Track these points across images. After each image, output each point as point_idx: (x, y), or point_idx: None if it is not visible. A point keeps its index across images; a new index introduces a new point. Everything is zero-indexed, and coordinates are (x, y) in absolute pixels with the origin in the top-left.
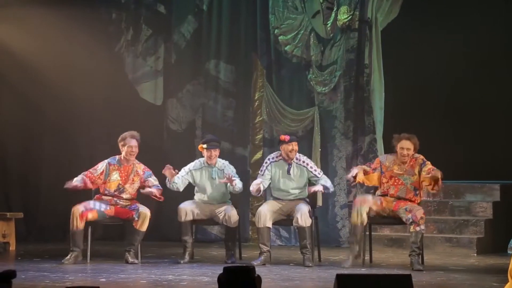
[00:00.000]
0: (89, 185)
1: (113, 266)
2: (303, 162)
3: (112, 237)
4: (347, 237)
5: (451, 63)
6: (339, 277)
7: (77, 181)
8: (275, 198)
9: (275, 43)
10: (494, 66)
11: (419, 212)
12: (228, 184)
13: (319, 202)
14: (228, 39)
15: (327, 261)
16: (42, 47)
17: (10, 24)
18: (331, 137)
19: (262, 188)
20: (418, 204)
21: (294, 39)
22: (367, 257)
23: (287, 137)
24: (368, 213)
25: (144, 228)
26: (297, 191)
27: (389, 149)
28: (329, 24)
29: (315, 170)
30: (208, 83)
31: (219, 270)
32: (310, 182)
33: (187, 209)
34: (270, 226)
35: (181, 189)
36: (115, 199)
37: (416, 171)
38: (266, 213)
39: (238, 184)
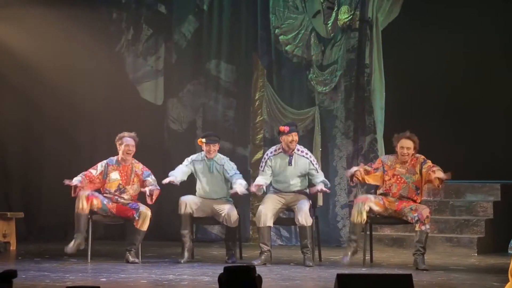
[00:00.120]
0: (88, 187)
1: (113, 266)
2: (306, 154)
3: (112, 236)
4: (347, 237)
5: (451, 63)
6: (339, 276)
7: (76, 181)
8: (276, 190)
9: (276, 42)
10: (494, 66)
11: (425, 211)
12: (235, 187)
13: (320, 202)
14: (229, 39)
15: (327, 260)
16: (43, 47)
17: (11, 24)
18: (331, 137)
19: (264, 187)
20: (420, 203)
21: (294, 39)
22: (367, 257)
23: (286, 128)
24: (368, 213)
25: (144, 227)
26: (298, 181)
27: (390, 149)
28: (330, 24)
29: (316, 164)
30: (209, 83)
31: (219, 269)
32: (310, 182)
33: (188, 202)
34: (271, 225)
35: (184, 178)
36: (116, 197)
37: (418, 170)
38: (266, 212)
39: (244, 186)
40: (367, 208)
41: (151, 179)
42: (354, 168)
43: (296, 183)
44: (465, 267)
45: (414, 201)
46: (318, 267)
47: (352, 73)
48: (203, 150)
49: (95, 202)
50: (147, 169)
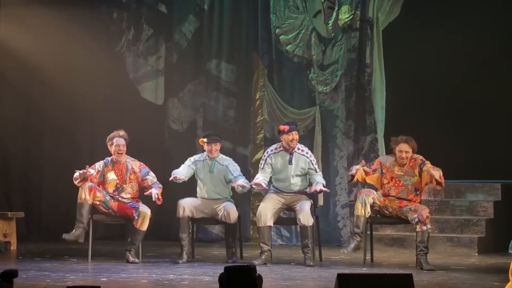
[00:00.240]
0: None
1: (114, 266)
2: (306, 153)
3: (113, 236)
4: (348, 237)
5: (452, 63)
6: (340, 276)
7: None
8: (276, 190)
9: (276, 42)
10: (495, 66)
11: (425, 212)
12: (237, 186)
13: (320, 202)
14: (229, 38)
15: (328, 260)
16: (43, 46)
17: (11, 23)
18: (332, 137)
19: (263, 185)
20: (419, 203)
21: (295, 39)
22: (368, 257)
23: (286, 127)
24: (372, 206)
25: (144, 227)
26: (298, 181)
27: (391, 149)
28: (330, 24)
29: (316, 164)
30: (209, 82)
31: (220, 269)
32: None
33: (185, 205)
34: (271, 224)
35: (186, 179)
36: (116, 196)
37: (416, 171)
38: (266, 212)
39: (247, 185)
40: (371, 201)
41: (151, 176)
42: (355, 168)
43: (296, 182)
44: (466, 266)
45: (414, 202)
46: (319, 267)
47: (353, 72)
48: (204, 150)
49: (98, 194)
50: (144, 166)
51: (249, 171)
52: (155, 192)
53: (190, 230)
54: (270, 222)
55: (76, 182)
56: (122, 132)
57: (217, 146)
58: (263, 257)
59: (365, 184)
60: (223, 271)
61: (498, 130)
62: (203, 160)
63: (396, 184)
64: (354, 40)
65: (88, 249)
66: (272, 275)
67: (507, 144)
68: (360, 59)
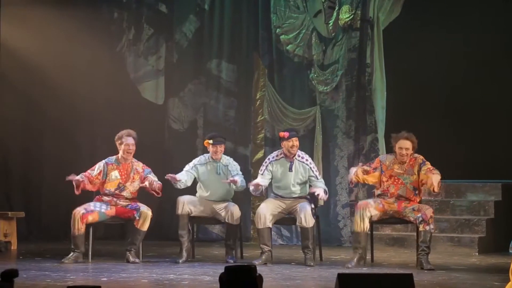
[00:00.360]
0: (88, 186)
1: (114, 266)
2: (306, 160)
3: (113, 236)
4: (348, 236)
5: (452, 62)
6: (340, 276)
7: (79, 177)
8: (276, 196)
9: (277, 42)
10: (495, 66)
11: (429, 211)
12: (229, 181)
13: (321, 202)
14: (230, 38)
15: (328, 260)
16: (44, 46)
17: (12, 23)
18: (333, 136)
19: (261, 188)
20: (419, 203)
21: (295, 39)
22: (368, 257)
23: (286, 134)
24: (370, 219)
25: (145, 227)
26: (298, 189)
27: (391, 148)
28: (331, 23)
29: (316, 171)
30: (210, 82)
31: (220, 269)
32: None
33: (185, 202)
34: (271, 226)
35: (189, 184)
36: (115, 199)
37: (416, 170)
38: (265, 214)
39: (240, 183)
40: (368, 215)
41: (152, 175)
42: (353, 170)
43: (296, 190)
44: (466, 266)
45: (413, 202)
46: (319, 267)
47: (353, 72)
48: (207, 151)
49: (90, 218)
50: (147, 167)
51: (249, 171)
52: (150, 181)
53: (190, 228)
54: (269, 224)
55: (75, 190)
56: (132, 132)
57: (222, 148)
58: (263, 257)
59: (365, 184)
60: (223, 271)
61: (498, 130)
62: (205, 163)
63: (395, 182)
64: (355, 40)
65: (88, 249)
66: (272, 275)
67: (508, 144)
68: (361, 59)
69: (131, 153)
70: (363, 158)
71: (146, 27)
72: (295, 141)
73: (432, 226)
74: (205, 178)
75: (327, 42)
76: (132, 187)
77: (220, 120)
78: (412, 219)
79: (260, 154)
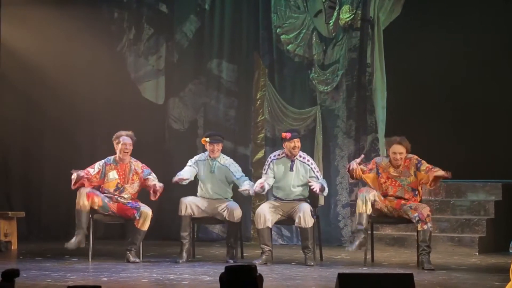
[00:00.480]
0: (86, 184)
1: (114, 265)
2: (308, 160)
3: (113, 236)
4: (349, 236)
5: (453, 62)
6: (340, 276)
7: (82, 172)
8: (276, 198)
9: (277, 42)
10: (495, 66)
11: (425, 210)
12: (243, 191)
13: (321, 201)
14: (230, 38)
15: (328, 260)
16: (44, 46)
17: (12, 23)
18: (333, 136)
19: (266, 187)
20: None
21: (296, 38)
22: (368, 256)
23: (288, 135)
24: (373, 203)
25: (145, 227)
26: (298, 190)
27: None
28: (331, 23)
29: (317, 172)
30: (210, 82)
31: (220, 269)
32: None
33: (188, 203)
34: (270, 226)
35: (192, 178)
36: (116, 197)
37: (412, 171)
38: (265, 214)
39: (251, 188)
40: (371, 198)
41: (152, 177)
42: (355, 162)
43: (296, 191)
44: (466, 266)
45: (412, 201)
46: (319, 267)
47: (354, 72)
48: (206, 150)
49: (96, 199)
50: (146, 167)
51: (249, 171)
52: (159, 185)
53: (191, 229)
54: (269, 224)
55: (72, 185)
56: (129, 132)
57: (219, 146)
58: (263, 257)
59: (365, 184)
60: (223, 270)
61: (498, 130)
62: (204, 160)
63: (393, 184)
64: (355, 40)
65: (88, 249)
66: (272, 275)
67: (508, 144)
68: (361, 59)
69: (128, 152)
70: (363, 158)
71: (147, 27)
72: (297, 142)
73: (430, 225)
74: (203, 175)
75: (328, 42)
76: (131, 188)
77: (221, 120)
78: (410, 217)
79: (260, 154)
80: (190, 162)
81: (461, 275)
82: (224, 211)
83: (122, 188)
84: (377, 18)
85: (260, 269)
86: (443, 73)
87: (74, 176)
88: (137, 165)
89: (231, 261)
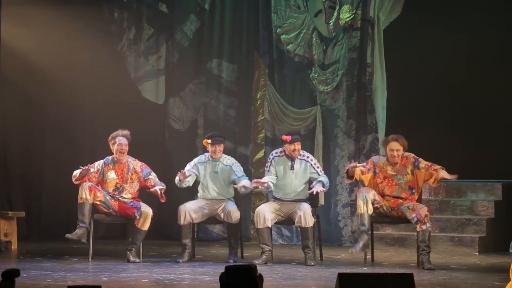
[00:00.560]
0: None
1: (115, 265)
2: (307, 157)
3: (113, 236)
4: (349, 236)
5: (453, 62)
6: (341, 276)
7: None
8: (276, 199)
9: (277, 42)
10: (495, 66)
11: (423, 210)
12: (241, 187)
13: (321, 201)
14: (230, 38)
15: (328, 260)
16: (44, 46)
17: (12, 23)
18: (333, 136)
19: (271, 184)
20: (417, 201)
21: (296, 38)
22: (369, 256)
23: (288, 138)
24: (373, 202)
25: (146, 227)
26: (298, 189)
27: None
28: (332, 23)
29: (318, 167)
30: (210, 82)
31: (220, 269)
32: (309, 181)
33: (187, 211)
34: (270, 226)
35: (191, 184)
36: (116, 196)
37: (409, 170)
38: (265, 213)
39: (249, 185)
40: (371, 197)
41: (152, 176)
42: (353, 164)
43: (296, 191)
44: (466, 266)
45: (409, 200)
46: (320, 266)
47: (354, 72)
48: (207, 151)
49: (98, 194)
50: (146, 166)
51: (250, 171)
52: (160, 187)
53: (192, 233)
54: (269, 223)
55: (74, 180)
56: (125, 132)
57: (221, 147)
58: (264, 256)
59: (363, 184)
60: (223, 270)
61: (499, 130)
62: (206, 161)
63: (390, 183)
64: (355, 40)
65: (89, 249)
66: (272, 275)
67: (508, 144)
68: (361, 59)
69: (123, 153)
70: (363, 158)
71: (147, 27)
72: (297, 145)
73: (428, 225)
74: (205, 177)
75: (328, 41)
76: (131, 188)
77: (221, 120)
78: (408, 218)
79: (260, 154)
80: (188, 166)
81: (461, 275)
82: (221, 212)
83: (121, 188)
84: (377, 18)
85: (260, 269)
86: (443, 73)
87: (77, 171)
88: (136, 164)
89: (231, 260)
